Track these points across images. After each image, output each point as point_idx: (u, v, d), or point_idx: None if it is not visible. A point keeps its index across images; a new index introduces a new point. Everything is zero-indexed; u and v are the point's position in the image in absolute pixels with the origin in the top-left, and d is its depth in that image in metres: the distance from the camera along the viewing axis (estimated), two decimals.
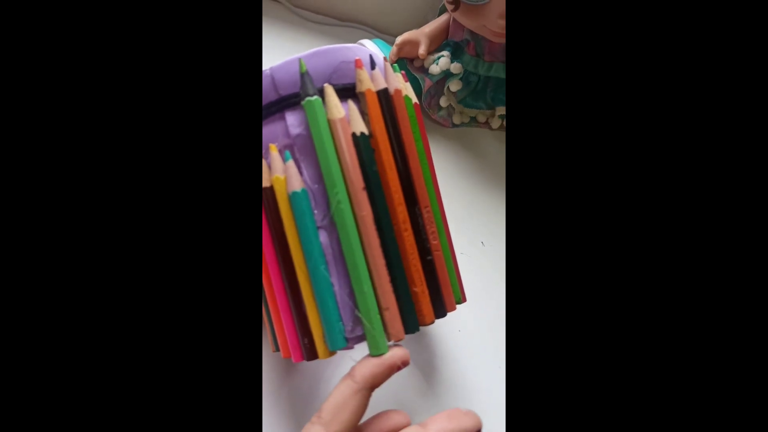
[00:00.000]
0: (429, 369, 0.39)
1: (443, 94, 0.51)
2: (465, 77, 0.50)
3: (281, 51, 0.28)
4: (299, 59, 0.28)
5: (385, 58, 0.30)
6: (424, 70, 0.49)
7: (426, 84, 0.49)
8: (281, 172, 0.27)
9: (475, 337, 0.41)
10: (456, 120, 0.52)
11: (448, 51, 0.49)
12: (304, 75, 0.27)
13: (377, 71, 0.28)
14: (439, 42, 0.50)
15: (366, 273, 0.26)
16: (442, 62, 0.48)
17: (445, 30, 0.50)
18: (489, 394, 0.39)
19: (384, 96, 0.28)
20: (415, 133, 0.29)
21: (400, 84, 0.29)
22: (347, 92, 0.28)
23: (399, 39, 0.48)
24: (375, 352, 0.26)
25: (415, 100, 0.31)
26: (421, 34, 0.49)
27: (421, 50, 0.48)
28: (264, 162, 0.28)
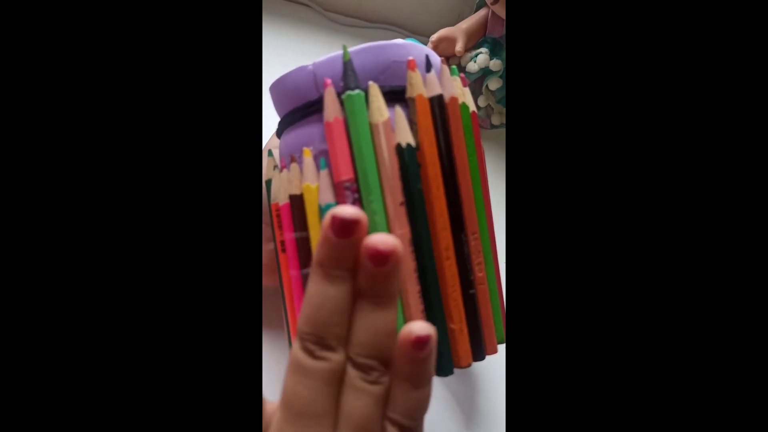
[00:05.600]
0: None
1: (481, 93, 0.47)
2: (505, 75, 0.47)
3: (312, 55, 0.25)
4: (344, 46, 0.24)
5: (443, 60, 0.27)
6: (462, 69, 0.46)
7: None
8: (313, 180, 0.24)
9: None
10: (495, 121, 0.49)
11: (487, 48, 0.45)
12: (347, 64, 0.24)
13: (432, 74, 0.25)
14: (477, 38, 0.47)
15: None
16: (480, 59, 0.45)
17: (483, 26, 0.47)
18: (489, 400, 0.38)
19: (437, 103, 0.24)
20: (469, 147, 0.26)
21: (457, 90, 0.26)
22: (396, 96, 0.24)
23: (435, 36, 0.45)
24: None
25: (473, 108, 0.27)
26: (458, 31, 0.46)
27: (458, 47, 0.45)
28: (295, 166, 0.25)
